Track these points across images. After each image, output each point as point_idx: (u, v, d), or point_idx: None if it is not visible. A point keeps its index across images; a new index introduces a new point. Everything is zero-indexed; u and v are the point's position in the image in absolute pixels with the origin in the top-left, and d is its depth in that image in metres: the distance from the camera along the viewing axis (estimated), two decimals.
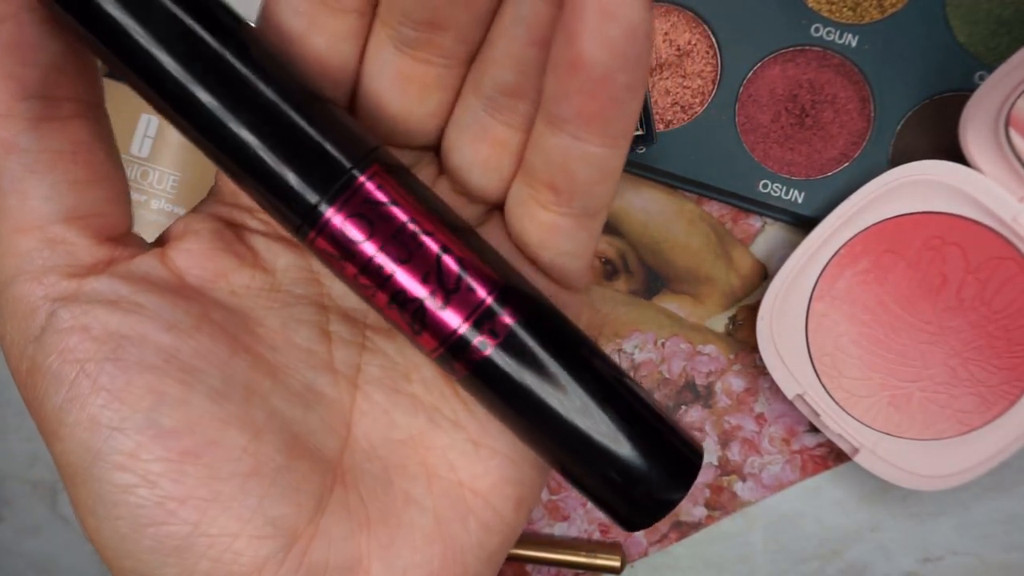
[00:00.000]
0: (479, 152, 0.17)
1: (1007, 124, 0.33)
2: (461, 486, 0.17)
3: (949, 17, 0.36)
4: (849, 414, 0.37)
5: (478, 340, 0.16)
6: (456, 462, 0.18)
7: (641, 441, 0.16)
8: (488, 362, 0.16)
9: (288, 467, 0.16)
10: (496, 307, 0.16)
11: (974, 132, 0.34)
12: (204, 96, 0.15)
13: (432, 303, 0.16)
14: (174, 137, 0.36)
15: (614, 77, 0.14)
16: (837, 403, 0.37)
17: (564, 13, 0.14)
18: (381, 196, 0.15)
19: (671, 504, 0.16)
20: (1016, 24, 0.36)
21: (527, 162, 0.17)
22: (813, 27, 0.37)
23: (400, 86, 0.17)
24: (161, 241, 0.18)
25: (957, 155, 0.35)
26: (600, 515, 0.41)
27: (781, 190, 0.38)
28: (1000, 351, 0.36)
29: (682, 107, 0.38)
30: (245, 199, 0.18)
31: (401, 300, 0.16)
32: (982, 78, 0.36)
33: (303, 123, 0.15)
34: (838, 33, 0.37)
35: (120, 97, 0.36)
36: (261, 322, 0.17)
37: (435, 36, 0.16)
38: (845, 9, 0.37)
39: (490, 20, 0.16)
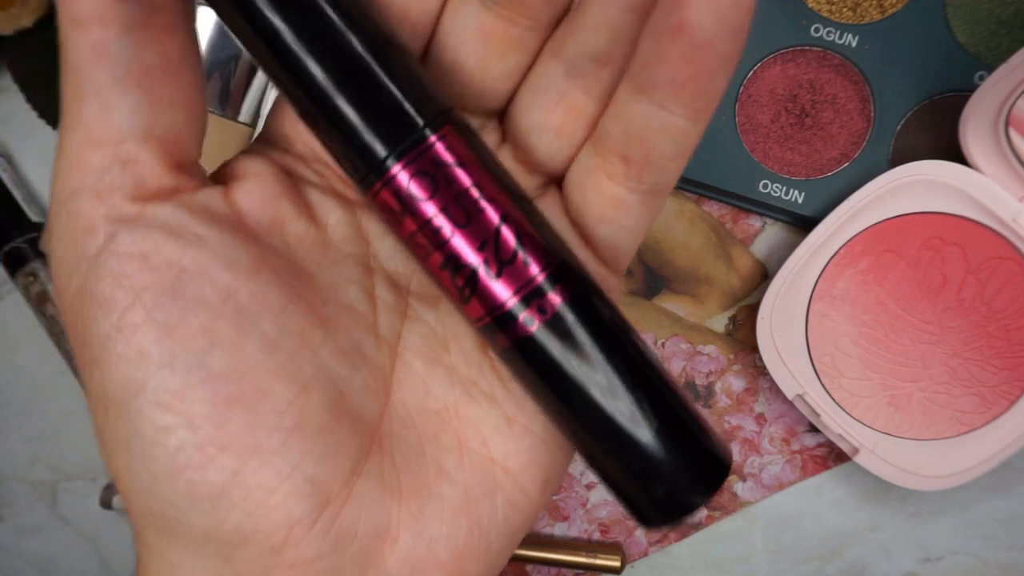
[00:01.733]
0: (552, 117, 0.17)
1: (1007, 124, 0.33)
2: (492, 462, 0.17)
3: (949, 17, 0.36)
4: (849, 414, 0.37)
5: (525, 315, 0.15)
6: (489, 438, 0.17)
7: (673, 439, 0.16)
8: (531, 339, 0.16)
9: (330, 426, 0.16)
10: (548, 284, 0.15)
11: (974, 132, 0.34)
12: (288, 36, 0.15)
13: (485, 271, 0.15)
14: None
15: (714, 45, 0.14)
16: (837, 403, 0.37)
17: None
18: (449, 157, 0.15)
19: (694, 506, 0.16)
20: (1016, 24, 0.36)
21: (602, 130, 0.16)
22: (813, 27, 0.37)
23: (481, 43, 0.16)
24: (221, 178, 0.17)
25: (957, 155, 0.35)
26: (600, 515, 0.41)
27: (781, 190, 0.38)
28: (1000, 351, 0.36)
29: None
30: (298, 147, 0.18)
31: (455, 264, 0.15)
32: (982, 78, 0.36)
33: (383, 75, 0.15)
34: (838, 33, 0.37)
35: None
36: (313, 275, 0.17)
37: None
38: (845, 9, 0.37)
39: None
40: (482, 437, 0.17)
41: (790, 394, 0.37)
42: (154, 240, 0.15)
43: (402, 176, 0.15)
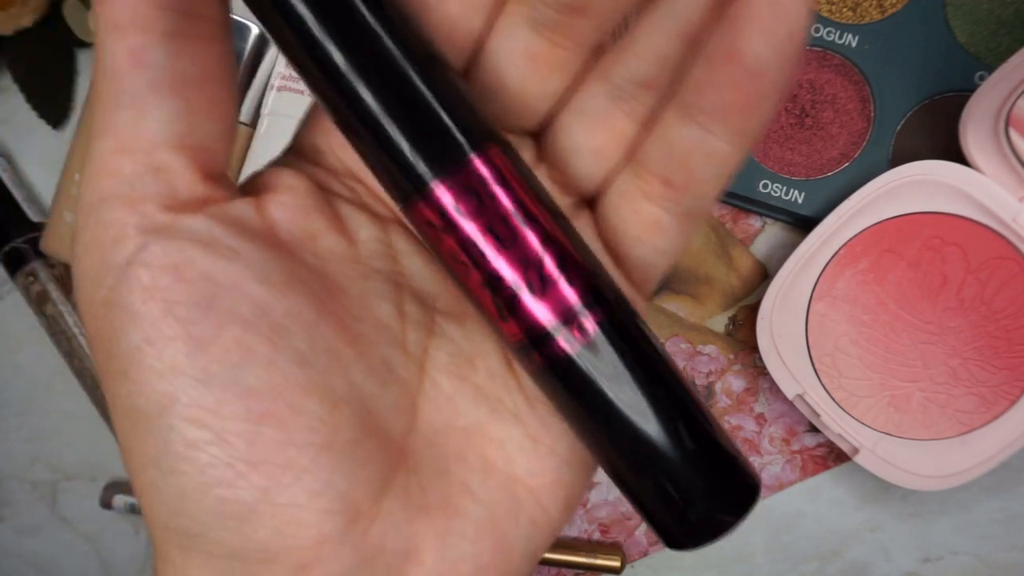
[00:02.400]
0: (593, 138, 0.17)
1: (1007, 124, 0.33)
2: (516, 482, 0.17)
3: (949, 17, 0.36)
4: (849, 414, 0.37)
5: (562, 337, 0.15)
6: (513, 456, 0.17)
7: (706, 463, 0.16)
8: (567, 360, 0.16)
9: (360, 443, 0.16)
10: (587, 307, 0.15)
11: (974, 132, 0.34)
12: (334, 51, 0.15)
13: (526, 292, 0.15)
14: None
15: (766, 73, 0.14)
16: (837, 403, 0.37)
17: (734, 5, 0.14)
18: (492, 177, 0.15)
19: (725, 529, 0.16)
20: (1016, 24, 0.36)
21: (644, 153, 0.17)
22: (813, 27, 0.37)
23: (527, 65, 0.16)
24: (252, 190, 0.17)
25: (957, 155, 0.35)
26: (601, 515, 0.41)
27: (781, 190, 0.38)
28: (1000, 351, 0.36)
29: None
30: (329, 160, 0.18)
31: (495, 284, 0.15)
32: (982, 78, 0.36)
33: (430, 92, 0.15)
34: (838, 33, 0.37)
35: None
36: (344, 290, 0.16)
37: (575, 20, 0.16)
38: (845, 9, 0.37)
39: (628, 11, 0.16)
40: (507, 456, 0.17)
41: (790, 394, 0.37)
42: (187, 252, 0.15)
43: (445, 194, 0.15)
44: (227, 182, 0.16)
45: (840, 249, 0.36)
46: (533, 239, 0.15)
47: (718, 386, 0.40)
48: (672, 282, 0.40)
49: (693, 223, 0.17)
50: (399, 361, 0.17)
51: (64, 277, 0.41)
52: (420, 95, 0.15)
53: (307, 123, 0.18)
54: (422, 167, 0.15)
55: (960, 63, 0.36)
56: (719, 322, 0.40)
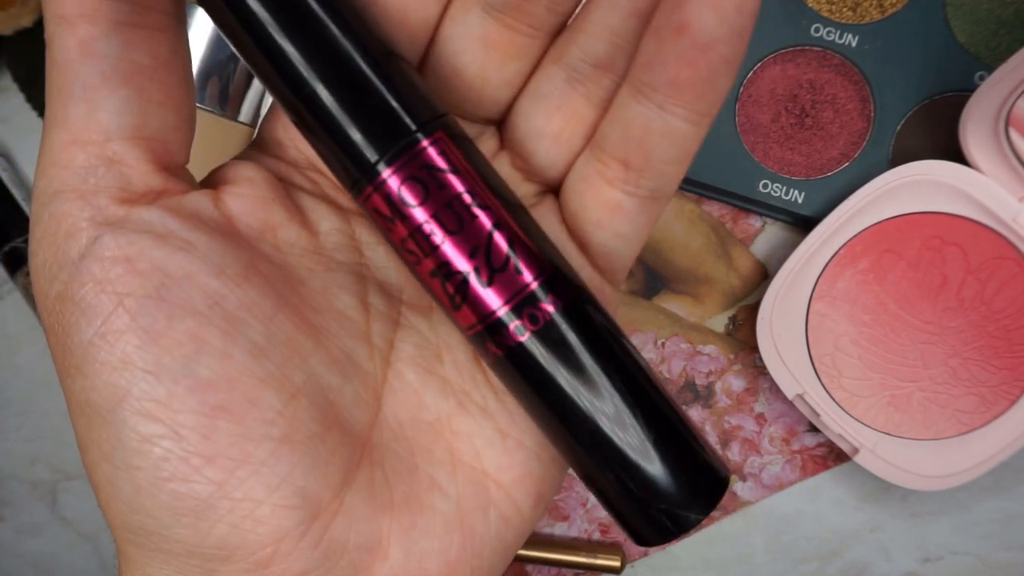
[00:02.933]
0: (551, 123, 0.17)
1: (1007, 124, 0.33)
2: (485, 476, 0.17)
3: (949, 17, 0.36)
4: (849, 414, 0.37)
5: (516, 324, 0.15)
6: (482, 451, 0.17)
7: (669, 453, 0.15)
8: (522, 348, 0.15)
9: (320, 436, 0.15)
10: (540, 293, 0.15)
11: (974, 132, 0.34)
12: (280, 38, 0.14)
13: (476, 279, 0.15)
14: None
15: (717, 46, 0.14)
16: (837, 403, 0.37)
17: None
18: (441, 163, 0.15)
19: (690, 524, 0.16)
20: (1016, 24, 0.36)
21: (601, 135, 0.16)
22: (813, 27, 0.37)
23: (481, 51, 0.16)
24: (211, 183, 0.17)
25: (957, 155, 0.35)
26: (601, 515, 0.41)
27: (781, 190, 0.38)
28: (1000, 351, 0.36)
29: None
30: (291, 153, 0.17)
31: (446, 271, 0.15)
32: (982, 78, 0.36)
33: (375, 79, 0.15)
34: (838, 33, 0.37)
35: None
36: (304, 282, 0.16)
37: (531, 4, 0.16)
38: (845, 9, 0.37)
39: None
40: (475, 450, 0.17)
41: (790, 394, 0.37)
42: (140, 244, 0.14)
43: (393, 181, 0.15)
44: (184, 174, 0.16)
45: (840, 249, 0.36)
46: (482, 225, 0.15)
47: (718, 386, 0.40)
48: (672, 282, 0.40)
49: (656, 206, 0.17)
50: (362, 353, 0.17)
51: None
52: (365, 81, 0.15)
53: (269, 116, 0.18)
54: (368, 153, 0.15)
55: (960, 63, 0.36)
56: (719, 322, 0.40)
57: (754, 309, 0.38)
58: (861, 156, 0.37)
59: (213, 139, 0.37)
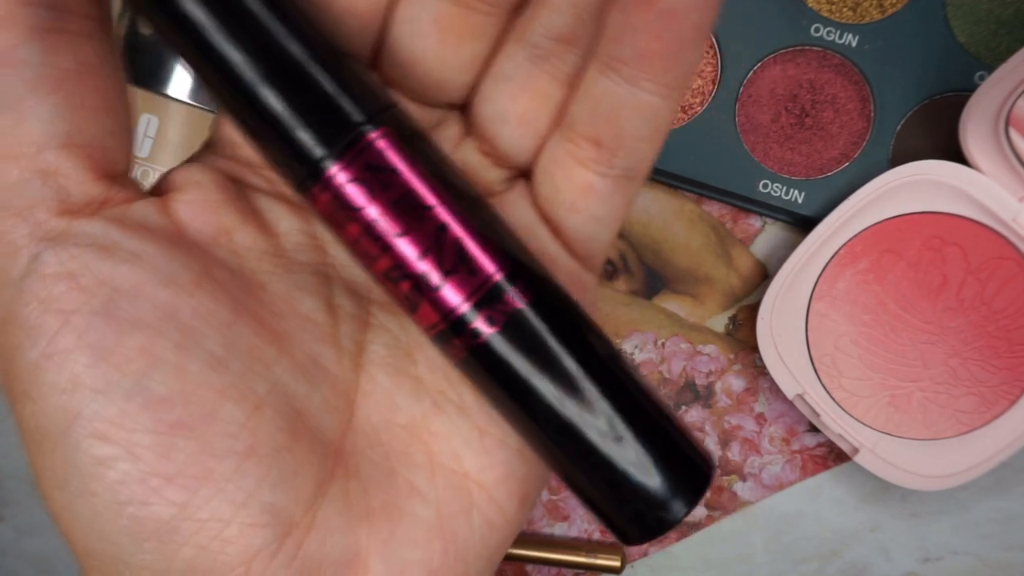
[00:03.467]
0: (517, 104, 0.16)
1: (1007, 124, 0.33)
2: (466, 478, 0.16)
3: (949, 17, 0.37)
4: (849, 414, 0.37)
5: (476, 323, 0.14)
6: (461, 452, 0.16)
7: (648, 448, 0.15)
8: (486, 347, 0.15)
9: (288, 447, 0.15)
10: (500, 289, 0.15)
11: (974, 132, 0.34)
12: (213, 36, 0.14)
13: (431, 278, 0.15)
14: (174, 136, 0.36)
15: (685, 15, 0.13)
16: (837, 403, 0.37)
17: None
18: (388, 158, 0.14)
19: (674, 520, 0.15)
20: (1016, 24, 0.36)
21: (570, 113, 0.16)
22: (813, 27, 0.37)
23: (438, 33, 0.15)
24: (158, 191, 0.16)
25: (957, 155, 0.35)
26: None
27: (781, 190, 0.38)
28: (1000, 351, 0.36)
29: (682, 107, 0.38)
30: (245, 152, 0.17)
31: (400, 272, 0.15)
32: (982, 78, 0.36)
33: (315, 73, 0.14)
34: (838, 33, 0.37)
35: None
36: (264, 286, 0.16)
37: None
38: (845, 9, 0.37)
39: None
40: (454, 451, 0.16)
41: (790, 394, 0.37)
42: (82, 258, 0.14)
43: (340, 178, 0.14)
44: (127, 182, 0.15)
45: (840, 249, 0.36)
46: (434, 222, 0.14)
47: (718, 386, 0.40)
48: (672, 282, 0.40)
49: (631, 185, 0.16)
50: (330, 357, 0.16)
51: None
52: (305, 74, 0.14)
53: (220, 115, 0.17)
54: (311, 150, 0.14)
55: (960, 63, 0.36)
56: (719, 322, 0.40)
57: (754, 309, 0.38)
58: (861, 156, 0.37)
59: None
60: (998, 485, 0.39)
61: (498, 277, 0.15)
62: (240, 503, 0.14)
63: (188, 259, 0.15)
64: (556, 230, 0.17)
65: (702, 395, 0.40)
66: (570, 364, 0.15)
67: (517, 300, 0.15)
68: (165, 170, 0.36)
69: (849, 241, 0.36)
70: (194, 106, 0.36)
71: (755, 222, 0.39)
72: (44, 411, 0.14)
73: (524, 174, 0.17)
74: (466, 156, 0.17)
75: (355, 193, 0.14)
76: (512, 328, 0.15)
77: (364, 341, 0.17)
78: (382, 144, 0.14)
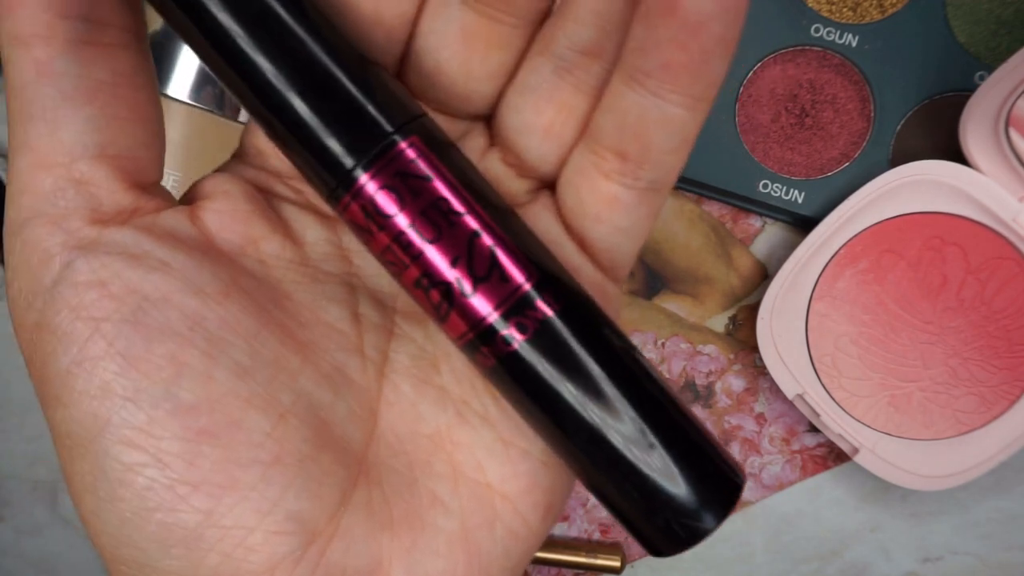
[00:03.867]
0: (542, 116, 0.16)
1: (1007, 124, 0.33)
2: (489, 489, 0.16)
3: (949, 17, 0.36)
4: (849, 414, 0.37)
5: (507, 331, 0.15)
6: (484, 462, 0.16)
7: (678, 459, 0.15)
8: (516, 356, 0.15)
9: (313, 456, 0.15)
10: (530, 298, 0.15)
11: (974, 132, 0.34)
12: (244, 46, 0.14)
13: (460, 287, 0.15)
14: (174, 136, 0.36)
15: (710, 26, 0.13)
16: (837, 403, 0.37)
17: None
18: (418, 167, 0.15)
19: (706, 532, 0.15)
20: (1016, 24, 0.36)
21: (595, 126, 0.16)
22: (813, 27, 0.37)
23: (463, 44, 0.16)
24: (188, 199, 0.16)
25: (957, 155, 0.35)
26: (601, 515, 0.41)
27: (781, 190, 0.38)
28: (1000, 351, 0.36)
29: None
30: (273, 162, 0.17)
31: (429, 280, 0.15)
32: (982, 78, 0.36)
33: (346, 83, 0.14)
34: (838, 33, 0.37)
35: None
36: (290, 296, 0.16)
37: None
38: (845, 9, 0.37)
39: None
40: (477, 461, 0.16)
41: (790, 394, 0.37)
42: (113, 266, 0.14)
43: (369, 187, 0.14)
44: (158, 192, 0.16)
45: (840, 249, 0.36)
46: (463, 231, 0.15)
47: (718, 386, 0.40)
48: (672, 282, 0.40)
49: (656, 197, 0.16)
50: (354, 367, 0.16)
51: None
52: (335, 84, 0.14)
53: (249, 126, 0.17)
54: (342, 159, 0.14)
55: (960, 63, 0.36)
56: (719, 322, 0.40)
57: (754, 309, 0.38)
58: (861, 156, 0.37)
59: (212, 139, 0.37)
60: (998, 485, 0.39)
61: (528, 286, 0.15)
62: (265, 511, 0.14)
63: (216, 268, 0.15)
64: (581, 241, 0.17)
65: (702, 395, 0.40)
66: (600, 373, 0.15)
67: (547, 308, 0.15)
68: (165, 170, 0.36)
69: (849, 241, 0.36)
70: (194, 106, 0.36)
71: (755, 222, 0.39)
72: (75, 417, 0.14)
73: (548, 185, 0.17)
74: (491, 167, 0.17)
75: (385, 202, 0.14)
76: (542, 336, 0.15)
77: (388, 351, 0.17)
78: (412, 153, 0.15)
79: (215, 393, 0.14)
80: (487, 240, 0.15)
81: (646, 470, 0.15)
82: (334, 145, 0.14)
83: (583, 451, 0.15)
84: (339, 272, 0.17)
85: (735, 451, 0.40)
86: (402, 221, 0.15)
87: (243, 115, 0.38)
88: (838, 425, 0.36)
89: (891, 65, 0.37)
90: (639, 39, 0.14)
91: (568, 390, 0.15)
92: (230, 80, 0.15)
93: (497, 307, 0.15)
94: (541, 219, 0.17)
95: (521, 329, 0.15)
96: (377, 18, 0.15)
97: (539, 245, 0.15)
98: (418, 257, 0.15)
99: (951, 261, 0.36)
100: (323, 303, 0.16)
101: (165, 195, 0.16)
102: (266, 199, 0.17)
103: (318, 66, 0.14)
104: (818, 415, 0.36)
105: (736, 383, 0.39)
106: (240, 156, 0.17)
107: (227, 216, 0.16)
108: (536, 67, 0.16)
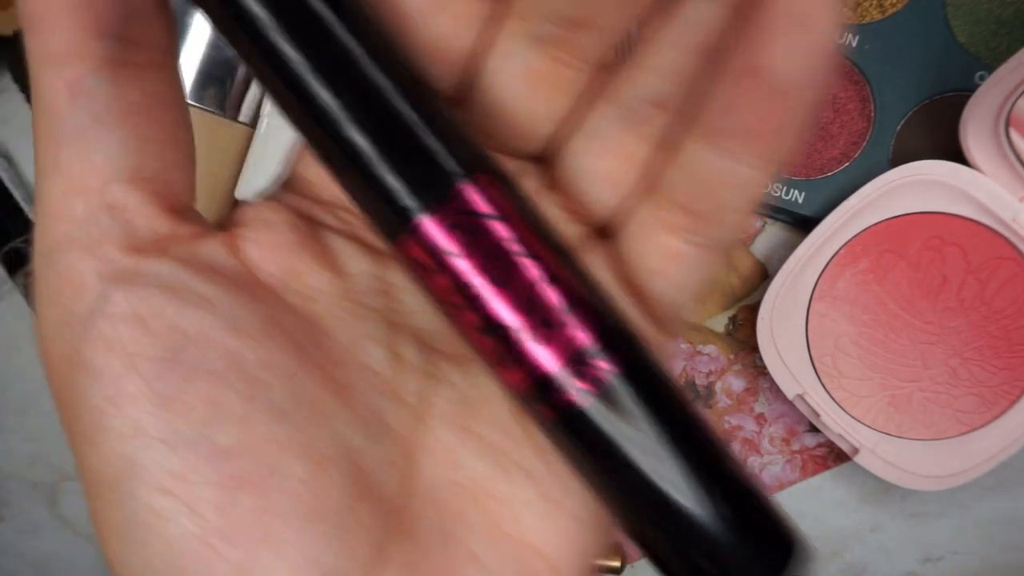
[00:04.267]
0: (603, 163, 0.16)
1: (1007, 124, 0.33)
2: (527, 547, 0.15)
3: (949, 17, 0.36)
4: (849, 414, 0.37)
5: (572, 386, 0.14)
6: (523, 517, 0.15)
7: (741, 528, 0.14)
8: (577, 411, 0.14)
9: (350, 507, 0.14)
10: (596, 352, 0.14)
11: (974, 132, 0.34)
12: (307, 76, 0.13)
13: (524, 335, 0.14)
14: None
15: (796, 91, 0.13)
16: (837, 403, 0.37)
17: (754, 17, 0.13)
18: (485, 208, 0.14)
19: None
20: (1016, 24, 0.36)
21: (665, 181, 0.15)
22: None
23: (529, 84, 0.15)
24: (226, 226, 0.15)
25: (957, 155, 0.35)
26: None
27: (781, 190, 0.38)
28: (1000, 351, 0.36)
29: None
30: (323, 192, 0.16)
31: (489, 326, 0.14)
32: (982, 78, 0.36)
33: (413, 118, 0.14)
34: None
35: None
36: (329, 333, 0.15)
37: (580, 36, 0.15)
38: (845, 9, 0.37)
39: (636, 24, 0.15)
40: (515, 516, 0.15)
41: (790, 394, 0.37)
42: (152, 300, 0.13)
43: (433, 228, 0.14)
44: (194, 216, 0.15)
45: (840, 249, 0.36)
46: (531, 276, 0.14)
47: (718, 386, 0.40)
48: None
49: (718, 254, 0.16)
50: (392, 411, 0.15)
51: None
52: (400, 119, 0.14)
53: (298, 155, 0.17)
54: (405, 198, 0.14)
55: (960, 63, 0.36)
56: (719, 322, 0.40)
57: (754, 309, 0.38)
58: (861, 156, 0.37)
59: (213, 139, 0.37)
60: (999, 485, 0.39)
61: (595, 339, 0.14)
62: (300, 567, 0.13)
63: (256, 304, 0.14)
64: (636, 294, 0.16)
65: (702, 395, 0.40)
66: (662, 433, 0.14)
67: (613, 365, 0.14)
68: None
69: (849, 241, 0.36)
70: (194, 106, 0.36)
71: (755, 222, 0.39)
72: (105, 457, 0.13)
73: (600, 231, 0.17)
74: (545, 210, 0.17)
75: (448, 243, 0.14)
76: (606, 395, 0.14)
77: (427, 395, 0.16)
78: (478, 195, 0.14)
79: (252, 437, 0.13)
80: (553, 288, 0.14)
81: (711, 540, 0.14)
82: (397, 182, 0.14)
83: (644, 516, 0.14)
84: (381, 308, 0.16)
85: (735, 451, 0.40)
86: (464, 264, 0.14)
87: (243, 115, 0.38)
88: (838, 425, 0.36)
89: (891, 65, 0.37)
90: (723, 100, 0.14)
91: (631, 450, 0.14)
92: (290, 109, 0.14)
93: (561, 360, 0.14)
94: (595, 268, 0.16)
95: (586, 384, 0.14)
96: (439, 51, 0.15)
97: (606, 297, 0.15)
98: (479, 301, 0.14)
99: (951, 261, 0.36)
100: (363, 342, 0.15)
101: (200, 220, 0.15)
102: (311, 228, 0.16)
103: (384, 100, 0.14)
104: (818, 415, 0.36)
105: (736, 383, 0.39)
106: (289, 185, 0.17)
107: (269, 247, 0.15)
108: (602, 113, 0.16)
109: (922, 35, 0.37)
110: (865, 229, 0.36)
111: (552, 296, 0.14)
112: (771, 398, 0.39)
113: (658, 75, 0.15)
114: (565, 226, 0.17)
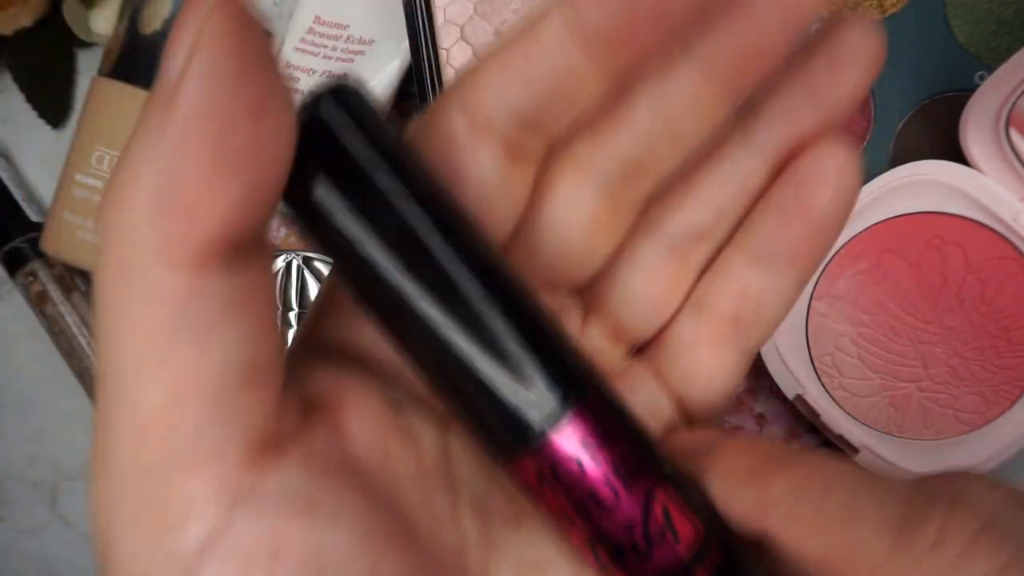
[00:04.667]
0: (649, 290, 0.17)
1: (1007, 124, 0.33)
2: None
3: (949, 17, 0.36)
4: (849, 414, 0.37)
5: None
6: None
7: None
8: None
9: None
10: (697, 559, 0.15)
11: (974, 132, 0.34)
12: (420, 303, 0.13)
13: (630, 551, 0.14)
14: None
15: (833, 223, 0.16)
16: (837, 403, 0.37)
17: (801, 165, 0.16)
18: (594, 434, 0.14)
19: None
20: (1016, 24, 0.36)
21: (712, 299, 0.17)
22: (814, 27, 0.37)
23: (590, 225, 0.16)
24: (316, 400, 0.14)
25: (957, 155, 0.35)
26: None
27: None
28: (1000, 351, 0.36)
29: None
30: (384, 358, 0.15)
31: (598, 539, 0.14)
32: (982, 78, 0.36)
33: (531, 339, 0.14)
34: None
35: (118, 99, 0.36)
36: (411, 516, 0.14)
37: (636, 180, 0.16)
38: (845, 9, 0.37)
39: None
40: None
41: (790, 394, 0.37)
42: (284, 526, 0.12)
43: (545, 452, 0.14)
44: (289, 402, 0.13)
45: (840, 249, 0.36)
46: (638, 497, 0.14)
47: None
48: None
49: (752, 357, 0.18)
50: None
51: (64, 277, 0.41)
52: (518, 344, 0.13)
53: (331, 308, 0.15)
54: (522, 423, 0.14)
55: (960, 63, 0.36)
56: None
57: None
58: (861, 156, 0.37)
59: None
60: None
61: (696, 548, 0.15)
62: None
63: (377, 510, 0.13)
64: (681, 404, 0.18)
65: None
66: None
67: (710, 569, 0.15)
68: None
69: (849, 241, 0.36)
70: None
71: None
72: None
73: (640, 348, 0.18)
74: (590, 337, 0.18)
75: (559, 468, 0.14)
76: None
77: (490, 562, 0.15)
78: (589, 419, 0.14)
79: None
80: (661, 501, 0.14)
81: None
82: (513, 407, 0.14)
83: None
84: (444, 479, 0.15)
85: None
86: (578, 488, 0.14)
87: None
88: (838, 425, 0.36)
89: (891, 65, 0.37)
90: (771, 231, 0.16)
91: None
92: (402, 336, 0.14)
93: (664, 571, 0.15)
94: (644, 386, 0.18)
95: None
96: (500, 197, 0.15)
97: (707, 499, 0.15)
98: (589, 519, 0.14)
99: (951, 261, 0.36)
100: (438, 522, 0.14)
101: (295, 397, 0.14)
102: (395, 404, 0.15)
103: (498, 320, 0.13)
104: (818, 415, 0.36)
105: None
106: (340, 347, 0.15)
107: (369, 433, 0.14)
108: (649, 244, 0.17)
109: (922, 35, 0.37)
110: (865, 229, 0.36)
111: (659, 510, 0.15)
112: (771, 398, 0.39)
113: (706, 211, 0.17)
114: (609, 349, 0.18)
